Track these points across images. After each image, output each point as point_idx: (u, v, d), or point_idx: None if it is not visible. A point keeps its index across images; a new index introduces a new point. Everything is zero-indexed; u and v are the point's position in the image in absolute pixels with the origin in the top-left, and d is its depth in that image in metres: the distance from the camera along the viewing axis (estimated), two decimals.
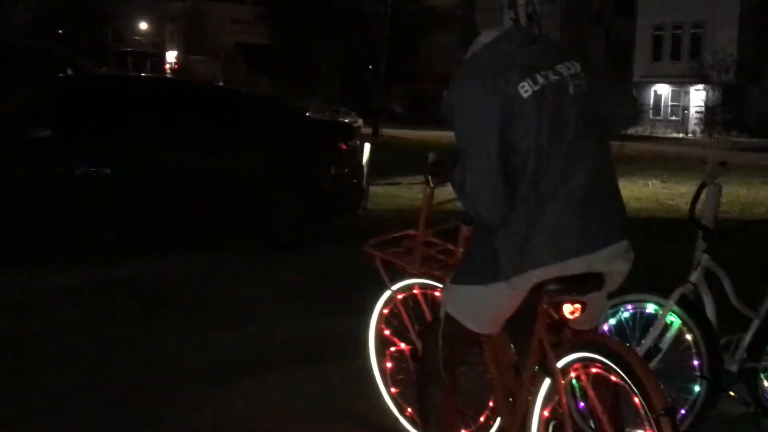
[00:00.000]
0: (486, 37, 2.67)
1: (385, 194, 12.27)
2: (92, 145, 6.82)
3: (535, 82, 2.51)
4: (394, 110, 50.91)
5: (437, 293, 3.25)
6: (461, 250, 3.11)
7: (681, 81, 44.63)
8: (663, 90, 47.51)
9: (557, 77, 2.55)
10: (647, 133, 40.39)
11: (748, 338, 3.60)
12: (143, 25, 65.79)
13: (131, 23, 63.68)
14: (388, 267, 3.47)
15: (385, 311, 3.58)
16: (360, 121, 34.04)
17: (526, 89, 2.49)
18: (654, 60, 47.19)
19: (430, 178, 3.14)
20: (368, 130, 30.08)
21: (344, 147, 8.06)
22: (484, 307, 2.72)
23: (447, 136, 25.09)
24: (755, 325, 3.61)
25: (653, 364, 3.41)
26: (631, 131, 26.45)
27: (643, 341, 3.48)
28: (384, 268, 3.46)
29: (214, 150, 7.40)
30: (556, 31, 41.37)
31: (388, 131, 33.43)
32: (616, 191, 2.69)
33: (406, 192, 12.84)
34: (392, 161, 17.13)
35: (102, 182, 6.72)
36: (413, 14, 44.95)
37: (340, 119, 25.04)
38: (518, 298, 2.66)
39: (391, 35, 39.89)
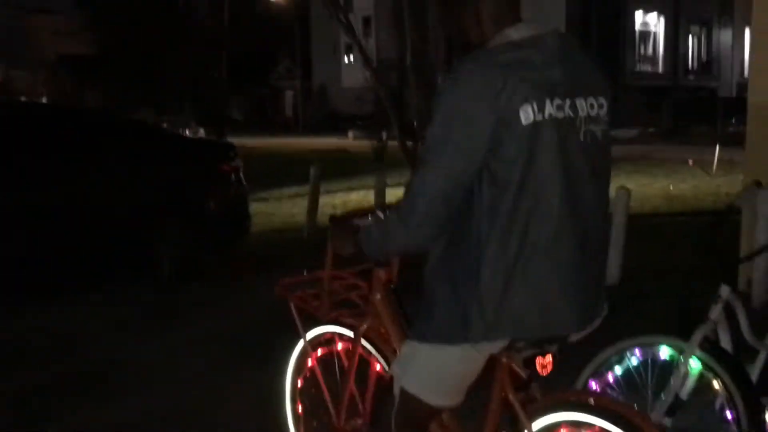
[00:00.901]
0: (518, 32, 2.16)
1: (257, 212, 11.48)
2: None
3: (541, 109, 2.07)
4: (234, 117, 49.68)
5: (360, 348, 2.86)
6: (378, 296, 2.75)
7: None
8: None
9: (570, 114, 2.12)
10: None
11: (756, 371, 3.21)
12: None
13: None
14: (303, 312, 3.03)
15: (301, 369, 3.16)
16: (201, 131, 32.85)
17: (528, 114, 2.05)
18: None
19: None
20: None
21: (226, 168, 7.31)
22: (449, 376, 2.32)
23: (294, 143, 24.54)
24: (762, 357, 3.23)
25: (677, 420, 2.96)
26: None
27: (662, 394, 3.01)
28: (299, 313, 3.00)
29: (80, 182, 6.49)
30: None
31: (232, 140, 32.21)
32: (606, 254, 2.36)
33: (277, 208, 12.15)
34: (249, 174, 16.36)
35: None
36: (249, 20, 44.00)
37: (182, 130, 23.96)
38: (485, 360, 2.27)
39: (229, 40, 38.93)
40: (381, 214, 2.73)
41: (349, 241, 2.46)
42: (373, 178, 14.87)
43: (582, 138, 2.14)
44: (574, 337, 2.25)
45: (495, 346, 2.20)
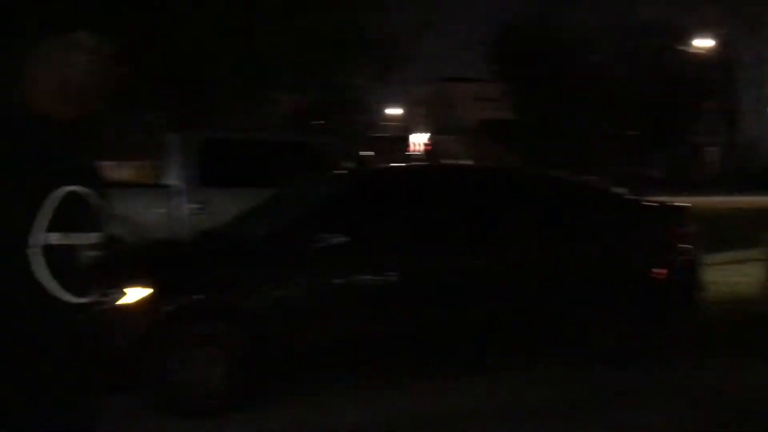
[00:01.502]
0: None
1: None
2: (389, 248, 5.94)
3: None
4: (652, 176, 48.16)
5: None
6: None
7: None
8: None
9: None
10: None
11: None
12: (391, 111, 67.66)
13: (380, 110, 65.89)
14: None
15: None
16: (624, 191, 32.15)
17: None
18: None
19: None
20: None
21: (676, 233, 6.68)
22: None
23: (718, 202, 22.63)
24: None
25: None
26: None
27: None
28: None
29: (532, 248, 6.33)
30: None
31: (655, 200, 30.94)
32: None
33: (718, 276, 11.01)
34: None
35: (396, 292, 5.81)
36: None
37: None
38: None
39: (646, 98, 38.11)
40: None
41: None
42: None
43: None
44: None
45: None
